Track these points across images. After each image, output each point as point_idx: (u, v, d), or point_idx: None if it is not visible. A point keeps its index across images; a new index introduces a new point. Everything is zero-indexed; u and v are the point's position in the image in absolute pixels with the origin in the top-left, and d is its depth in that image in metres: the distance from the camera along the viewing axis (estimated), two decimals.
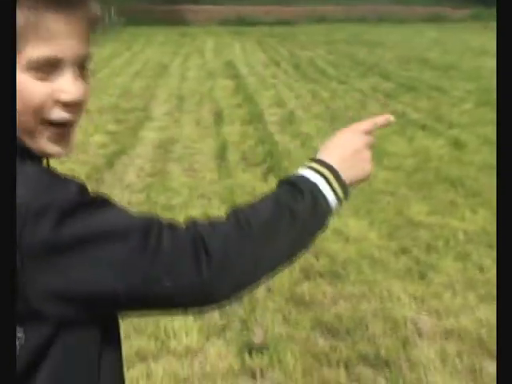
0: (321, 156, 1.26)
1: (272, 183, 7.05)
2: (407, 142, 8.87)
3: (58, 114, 1.12)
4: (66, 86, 1.12)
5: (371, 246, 5.32)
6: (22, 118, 1.10)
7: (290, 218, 1.17)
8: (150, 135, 9.68)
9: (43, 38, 1.10)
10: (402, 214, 6.07)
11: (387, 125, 1.35)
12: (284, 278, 4.62)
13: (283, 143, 8.95)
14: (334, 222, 5.55)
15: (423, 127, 9.76)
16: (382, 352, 3.76)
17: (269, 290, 4.51)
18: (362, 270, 4.84)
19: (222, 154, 8.42)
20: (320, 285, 4.64)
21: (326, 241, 5.28)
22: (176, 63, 19.71)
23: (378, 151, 7.68)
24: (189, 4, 45.99)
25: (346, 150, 1.27)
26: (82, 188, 1.07)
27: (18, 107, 1.08)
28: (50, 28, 1.10)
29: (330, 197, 1.21)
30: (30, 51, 1.09)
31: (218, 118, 10.93)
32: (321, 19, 41.91)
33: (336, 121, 10.14)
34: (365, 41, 25.92)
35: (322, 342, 3.90)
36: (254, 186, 6.96)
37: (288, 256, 1.20)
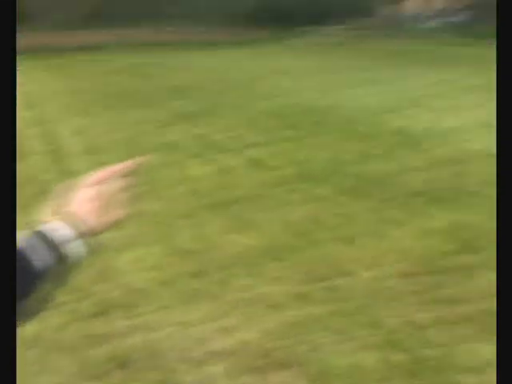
0: (64, 209, 1.31)
1: None
2: (185, 170, 8.91)
3: None
4: None
5: (167, 272, 5.39)
6: None
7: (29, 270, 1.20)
8: None
9: None
10: (196, 236, 6.19)
11: (140, 166, 1.41)
12: (74, 312, 4.61)
13: (51, 182, 8.45)
14: (127, 253, 5.65)
15: (196, 154, 9.82)
16: (176, 377, 3.86)
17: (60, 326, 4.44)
18: (158, 298, 4.88)
19: None
20: (115, 318, 4.61)
21: (122, 272, 5.32)
22: None
23: (155, 182, 7.79)
24: None
25: (89, 199, 1.33)
26: None
27: None
28: None
29: (76, 246, 1.28)
30: None
31: None
32: (95, 47, 40.84)
33: (112, 152, 10.08)
34: (143, 72, 25.72)
35: (117, 375, 3.91)
36: None
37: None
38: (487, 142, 9.09)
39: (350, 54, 28.52)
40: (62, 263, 1.26)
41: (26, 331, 4.09)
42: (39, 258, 1.22)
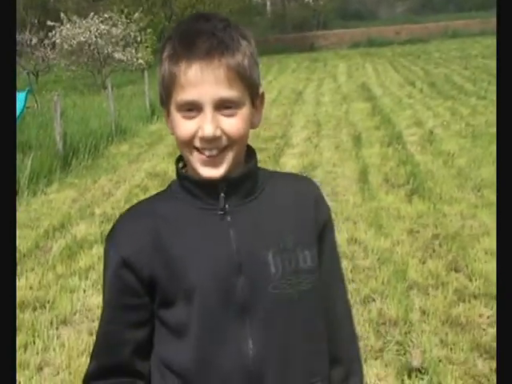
0: None
1: (417, 204, 7.07)
2: None
3: (201, 144, 1.39)
4: (203, 124, 1.37)
5: None
6: (181, 148, 1.44)
7: None
8: (291, 162, 9.74)
9: (183, 86, 1.37)
10: None
11: None
12: (438, 300, 4.69)
13: (425, 163, 8.96)
14: (485, 242, 5.65)
15: None
16: None
17: (424, 312, 4.54)
18: None
19: (363, 176, 8.48)
20: (475, 306, 4.61)
21: (479, 261, 5.29)
22: (310, 89, 20.09)
23: None
24: (318, 30, 46.72)
25: None
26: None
27: (176, 140, 1.43)
28: (187, 77, 1.36)
29: None
30: (175, 96, 1.39)
31: (357, 140, 11.04)
32: (454, 35, 41.69)
33: (478, 138, 10.14)
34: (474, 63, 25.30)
35: (481, 364, 3.90)
36: (399, 207, 7.02)
37: None
38: None
39: None
40: None
41: None
42: None
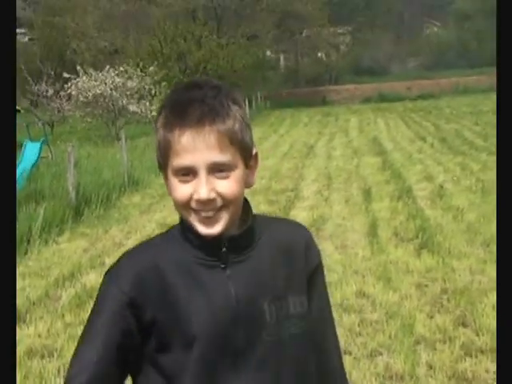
0: None
1: (426, 258, 7.06)
2: None
3: (197, 206, 1.49)
4: (197, 188, 1.46)
5: None
6: (179, 209, 1.54)
7: None
8: (301, 214, 9.81)
9: (178, 152, 1.46)
10: None
11: None
12: (445, 355, 4.68)
13: (434, 218, 9.02)
14: (494, 297, 5.59)
15: None
16: None
17: (430, 367, 4.53)
18: None
19: (373, 230, 8.56)
20: (482, 361, 4.60)
21: (487, 317, 5.26)
22: (321, 143, 20.43)
23: None
24: (330, 85, 48.06)
25: None
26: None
27: (174, 202, 1.53)
28: (181, 144, 1.45)
29: None
30: (171, 161, 1.48)
31: (367, 194, 11.16)
32: (465, 90, 42.07)
33: (488, 193, 10.13)
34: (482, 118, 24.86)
35: None
36: (408, 261, 7.04)
37: None
38: None
39: None
40: None
41: None
42: None
